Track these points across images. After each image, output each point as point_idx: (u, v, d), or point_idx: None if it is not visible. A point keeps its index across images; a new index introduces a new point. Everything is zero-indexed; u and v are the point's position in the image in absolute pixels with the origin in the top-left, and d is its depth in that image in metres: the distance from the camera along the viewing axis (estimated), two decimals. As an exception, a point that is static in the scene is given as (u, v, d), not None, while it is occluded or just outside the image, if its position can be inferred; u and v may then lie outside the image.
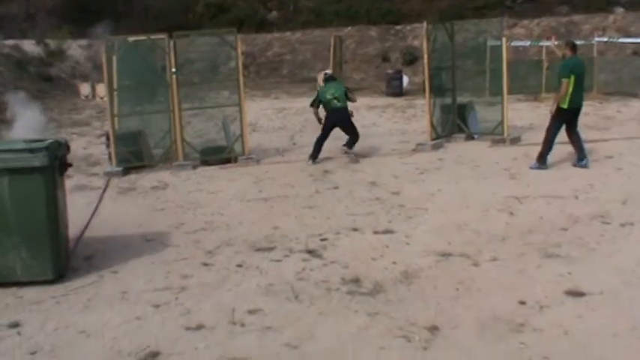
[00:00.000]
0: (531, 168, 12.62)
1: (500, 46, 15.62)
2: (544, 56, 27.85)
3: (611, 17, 33.92)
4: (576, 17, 34.53)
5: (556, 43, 13.40)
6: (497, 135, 15.51)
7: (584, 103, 12.92)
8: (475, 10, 34.05)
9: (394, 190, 11.35)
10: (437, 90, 15.99)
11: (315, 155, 14.20)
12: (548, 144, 12.66)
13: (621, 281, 6.96)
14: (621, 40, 29.56)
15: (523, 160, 13.53)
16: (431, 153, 14.69)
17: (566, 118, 12.54)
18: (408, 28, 37.34)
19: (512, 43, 29.67)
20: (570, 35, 32.31)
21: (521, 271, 7.37)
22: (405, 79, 30.04)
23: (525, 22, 35.43)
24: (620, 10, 34.25)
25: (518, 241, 8.41)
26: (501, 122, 15.46)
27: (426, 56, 15.48)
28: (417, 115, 20.38)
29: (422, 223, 9.40)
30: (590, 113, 21.21)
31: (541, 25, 34.91)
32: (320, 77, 16.50)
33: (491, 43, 18.06)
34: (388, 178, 12.33)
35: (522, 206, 10.04)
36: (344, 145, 14.27)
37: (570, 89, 12.25)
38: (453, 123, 16.23)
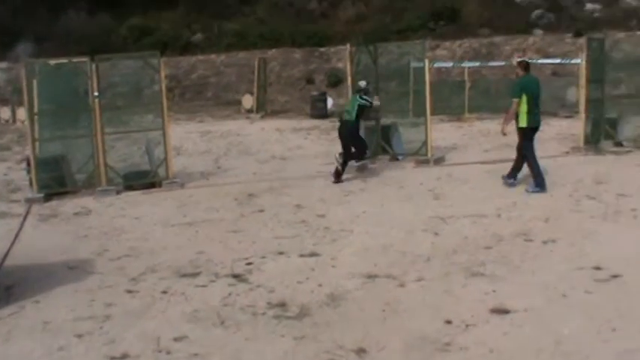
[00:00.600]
0: (530, 191, 12.26)
1: (423, 68, 15.82)
2: (466, 77, 28.31)
3: (531, 39, 34.64)
4: (497, 39, 35.13)
5: (518, 60, 13.72)
6: (421, 156, 15.71)
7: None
8: (399, 33, 34.35)
9: (320, 213, 11.36)
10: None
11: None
12: (533, 164, 12.55)
13: (544, 298, 7.06)
14: (541, 60, 30.17)
15: (447, 180, 13.73)
16: (356, 175, 14.80)
17: (529, 135, 12.62)
18: (332, 50, 37.54)
19: (435, 65, 30.04)
20: (492, 56, 32.96)
21: (447, 290, 7.43)
22: (330, 101, 30.21)
23: (447, 43, 35.89)
24: (539, 32, 35.01)
25: (444, 260, 8.48)
26: (425, 143, 15.65)
27: (349, 78, 15.62)
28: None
29: (347, 245, 9.41)
30: (512, 132, 21.61)
31: (463, 47, 35.44)
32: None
33: (414, 64, 18.24)
34: (314, 201, 12.36)
35: (447, 226, 10.15)
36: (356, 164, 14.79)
37: (526, 108, 12.36)
38: (378, 144, 16.35)
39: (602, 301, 6.96)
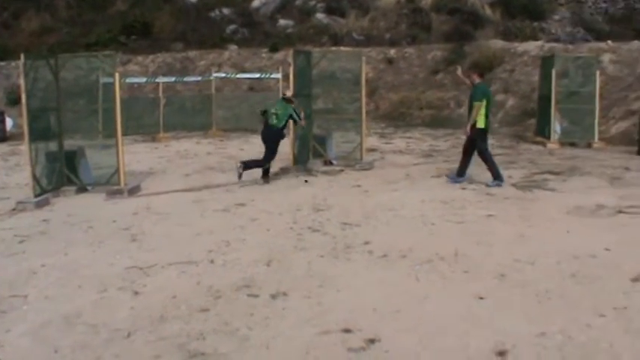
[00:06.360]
0: (490, 185, 13.21)
1: (114, 84, 13.68)
2: (161, 93, 26.57)
3: (227, 53, 33.67)
4: (192, 53, 33.84)
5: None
6: (114, 185, 13.51)
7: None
8: (88, 47, 31.77)
9: (-16, 272, 8.63)
10: (41, 135, 13.51)
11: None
12: (492, 162, 13.43)
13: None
14: (239, 75, 29.22)
15: (145, 215, 11.64)
16: (35, 212, 12.13)
17: (483, 135, 13.48)
18: (13, 64, 34.09)
19: (128, 80, 28.14)
20: (187, 71, 31.55)
21: (157, 387, 5.39)
22: (9, 122, 27.05)
23: (140, 58, 34.03)
24: (234, 47, 34.10)
25: (150, 335, 6.36)
26: (117, 170, 13.49)
27: (24, 95, 12.96)
28: (22, 164, 17.42)
29: (19, 319, 6.90)
30: (213, 153, 20.13)
31: (156, 62, 33.75)
32: None
33: (104, 80, 16.07)
34: (-23, 254, 9.53)
35: (149, 280, 8.04)
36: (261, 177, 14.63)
37: (483, 111, 13.22)
38: (62, 173, 13.87)
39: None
